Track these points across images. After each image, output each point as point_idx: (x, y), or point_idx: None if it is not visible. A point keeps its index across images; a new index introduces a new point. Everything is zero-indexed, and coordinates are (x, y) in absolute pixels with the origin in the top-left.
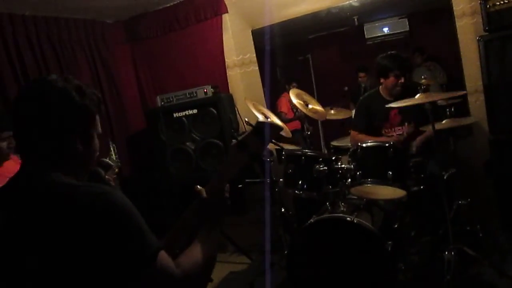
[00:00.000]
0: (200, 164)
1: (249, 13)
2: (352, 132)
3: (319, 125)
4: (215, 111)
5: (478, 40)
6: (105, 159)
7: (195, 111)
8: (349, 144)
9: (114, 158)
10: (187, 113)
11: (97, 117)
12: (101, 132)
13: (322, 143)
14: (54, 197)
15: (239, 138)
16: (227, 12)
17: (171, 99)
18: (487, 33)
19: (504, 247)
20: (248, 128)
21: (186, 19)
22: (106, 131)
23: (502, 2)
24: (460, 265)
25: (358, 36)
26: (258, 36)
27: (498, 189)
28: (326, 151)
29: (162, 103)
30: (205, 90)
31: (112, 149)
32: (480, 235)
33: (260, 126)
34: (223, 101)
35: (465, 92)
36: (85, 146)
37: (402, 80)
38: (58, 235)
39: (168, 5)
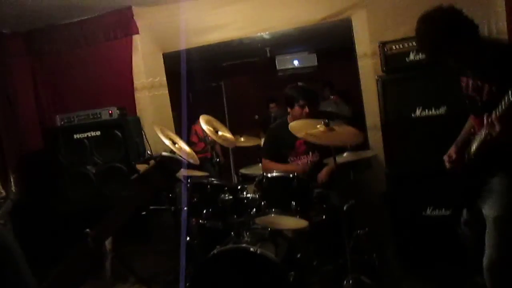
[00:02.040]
0: (101, 189)
1: (161, 37)
2: (264, 160)
3: (230, 153)
4: (120, 134)
5: (377, 80)
6: None
7: (98, 133)
8: (259, 172)
9: (13, 190)
10: (89, 135)
11: None
12: None
13: (233, 170)
14: None
15: (141, 172)
16: (138, 33)
17: (72, 119)
18: (384, 74)
19: (397, 273)
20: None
21: (94, 37)
22: None
23: (398, 47)
24: None
25: (270, 67)
26: (170, 59)
27: (393, 219)
28: (236, 179)
29: (62, 122)
30: (110, 112)
31: (11, 179)
32: (376, 263)
33: (163, 161)
34: (129, 124)
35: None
36: None
37: (307, 110)
38: None
39: (75, 20)
